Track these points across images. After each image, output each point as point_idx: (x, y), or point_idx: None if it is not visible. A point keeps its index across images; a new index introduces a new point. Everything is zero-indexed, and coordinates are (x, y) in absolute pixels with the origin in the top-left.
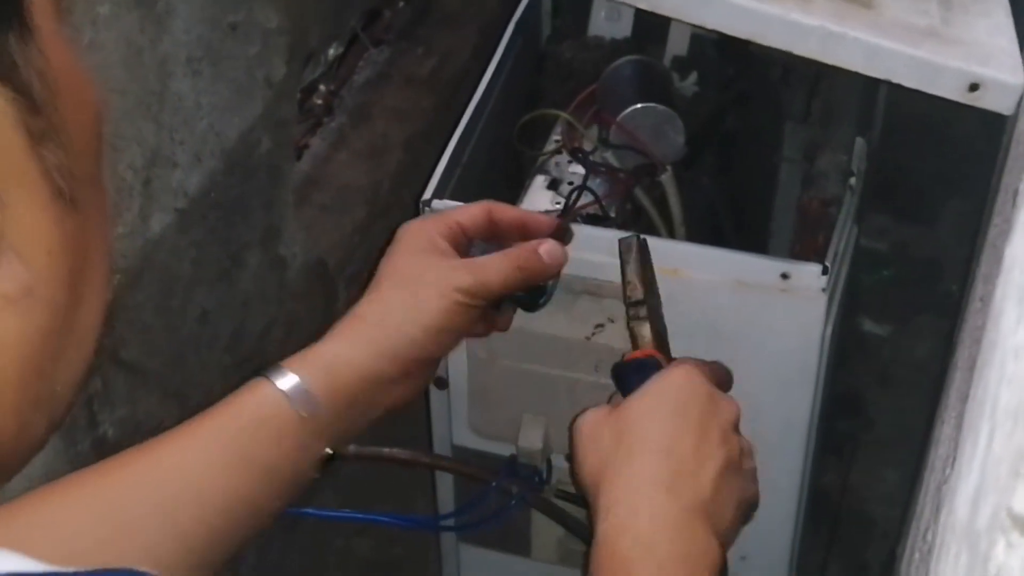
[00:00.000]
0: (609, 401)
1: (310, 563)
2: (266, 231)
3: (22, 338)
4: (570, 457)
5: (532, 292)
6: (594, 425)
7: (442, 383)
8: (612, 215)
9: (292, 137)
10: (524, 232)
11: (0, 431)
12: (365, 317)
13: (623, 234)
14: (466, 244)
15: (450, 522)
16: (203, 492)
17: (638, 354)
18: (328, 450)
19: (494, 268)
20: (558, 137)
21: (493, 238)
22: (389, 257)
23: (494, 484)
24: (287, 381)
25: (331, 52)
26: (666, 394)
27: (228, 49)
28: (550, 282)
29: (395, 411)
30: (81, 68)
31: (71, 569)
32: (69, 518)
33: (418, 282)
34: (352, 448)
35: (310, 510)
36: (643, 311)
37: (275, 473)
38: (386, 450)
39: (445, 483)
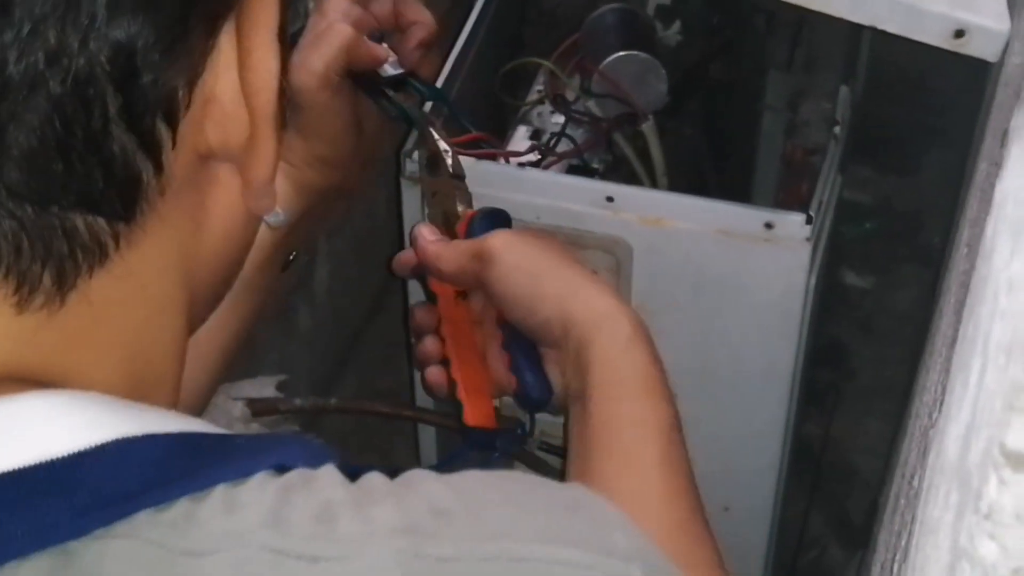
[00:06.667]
0: None
1: None
2: None
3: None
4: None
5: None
6: (512, 241)
7: None
8: (594, 165)
9: None
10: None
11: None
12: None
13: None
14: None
15: None
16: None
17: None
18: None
19: (324, 38)
20: (541, 87)
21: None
22: None
23: (476, 436)
24: None
25: (310, 4)
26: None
27: None
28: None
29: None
30: None
31: (243, 435)
32: None
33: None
34: (335, 401)
35: None
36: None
37: (253, 287)
38: (369, 403)
39: (428, 436)
